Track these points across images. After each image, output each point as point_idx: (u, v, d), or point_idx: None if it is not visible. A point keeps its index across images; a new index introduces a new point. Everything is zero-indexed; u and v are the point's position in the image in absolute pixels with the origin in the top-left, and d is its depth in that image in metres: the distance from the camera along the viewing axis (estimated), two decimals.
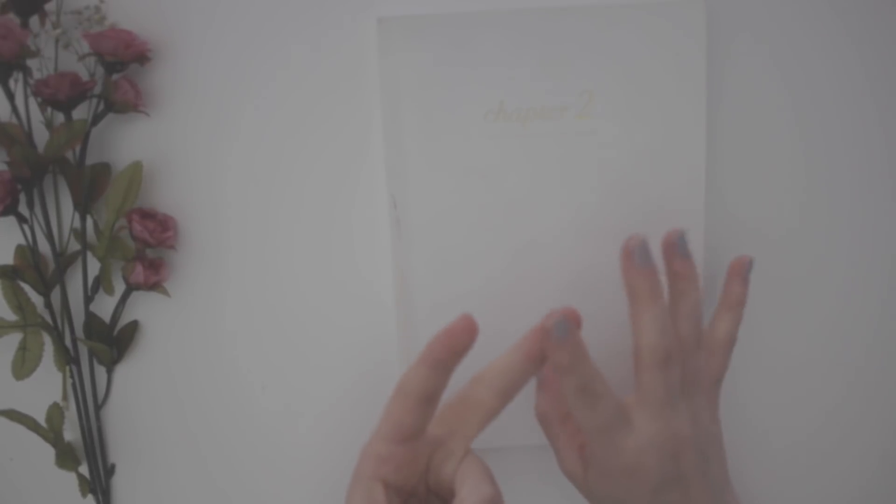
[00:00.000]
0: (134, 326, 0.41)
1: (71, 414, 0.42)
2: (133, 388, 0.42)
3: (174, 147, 0.40)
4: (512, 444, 0.41)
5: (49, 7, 0.37)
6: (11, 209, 0.38)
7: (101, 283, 0.40)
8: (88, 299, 0.40)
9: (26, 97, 0.38)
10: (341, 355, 0.41)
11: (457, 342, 0.31)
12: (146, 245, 0.39)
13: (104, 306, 0.41)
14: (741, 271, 0.38)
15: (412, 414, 0.32)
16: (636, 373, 0.34)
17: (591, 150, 0.38)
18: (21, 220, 0.39)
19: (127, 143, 0.40)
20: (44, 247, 0.40)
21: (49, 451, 0.41)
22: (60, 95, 0.37)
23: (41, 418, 0.41)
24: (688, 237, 0.35)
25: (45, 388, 0.41)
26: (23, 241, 0.39)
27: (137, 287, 0.39)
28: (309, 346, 0.41)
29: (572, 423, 0.38)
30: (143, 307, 0.41)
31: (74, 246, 0.40)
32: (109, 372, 0.42)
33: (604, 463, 0.34)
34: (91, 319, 0.40)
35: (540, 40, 0.37)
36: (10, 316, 0.40)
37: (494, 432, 0.41)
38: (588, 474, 0.36)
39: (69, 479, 0.42)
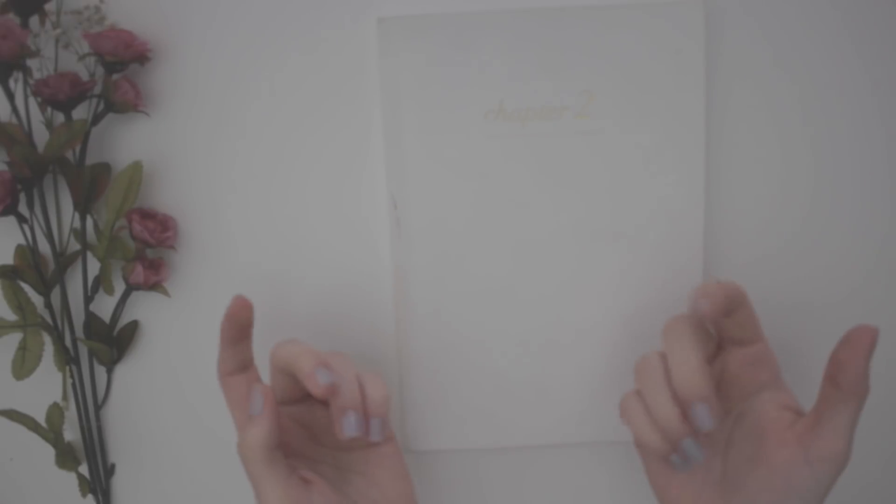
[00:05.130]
0: (134, 326, 0.41)
1: (71, 414, 0.41)
2: (133, 388, 0.42)
3: (174, 147, 0.40)
4: (515, 445, 0.41)
5: (49, 7, 0.37)
6: (11, 209, 0.38)
7: (101, 283, 0.40)
8: (88, 299, 0.40)
9: (26, 97, 0.38)
10: None
11: (237, 318, 0.34)
12: (146, 245, 0.39)
13: (104, 306, 0.41)
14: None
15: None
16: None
17: (590, 150, 0.39)
18: (21, 220, 0.39)
19: (127, 143, 0.40)
20: (44, 247, 0.40)
21: (49, 451, 0.41)
22: (60, 95, 0.37)
23: (41, 418, 0.41)
24: None
25: (45, 388, 0.41)
26: (23, 241, 0.39)
27: (137, 287, 0.39)
28: None
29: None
30: (143, 307, 0.41)
31: (74, 246, 0.40)
32: (109, 372, 0.42)
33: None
34: (91, 319, 0.40)
35: (540, 40, 0.38)
36: (10, 316, 0.40)
37: (499, 433, 0.41)
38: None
39: (69, 479, 0.42)
